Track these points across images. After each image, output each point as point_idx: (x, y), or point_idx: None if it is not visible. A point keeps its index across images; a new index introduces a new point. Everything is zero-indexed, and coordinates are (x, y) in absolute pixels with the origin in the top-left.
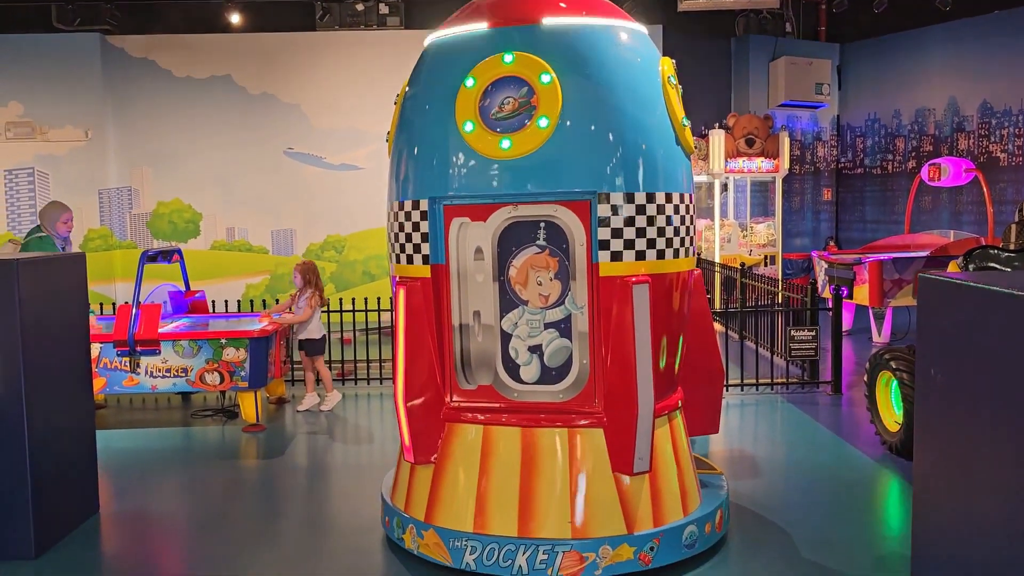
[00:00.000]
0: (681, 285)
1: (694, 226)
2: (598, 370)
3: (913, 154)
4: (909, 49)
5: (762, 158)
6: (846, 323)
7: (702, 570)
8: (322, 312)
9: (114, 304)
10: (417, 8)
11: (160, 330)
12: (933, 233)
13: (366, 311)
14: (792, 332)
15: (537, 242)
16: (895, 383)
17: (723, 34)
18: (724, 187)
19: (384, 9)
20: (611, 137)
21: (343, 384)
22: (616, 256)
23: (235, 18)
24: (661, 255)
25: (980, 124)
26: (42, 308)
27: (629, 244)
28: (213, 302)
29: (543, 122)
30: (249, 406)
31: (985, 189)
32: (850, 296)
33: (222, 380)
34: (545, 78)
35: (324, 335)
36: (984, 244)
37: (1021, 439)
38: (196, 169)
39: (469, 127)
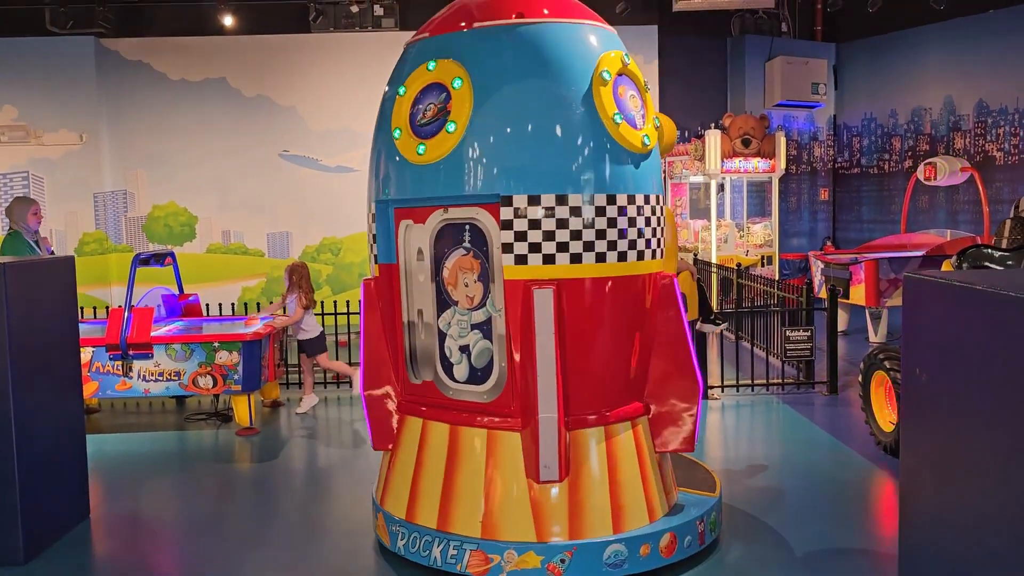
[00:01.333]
0: (625, 290)
1: (658, 227)
2: (514, 374)
3: (909, 153)
4: (905, 48)
5: (758, 158)
6: (842, 323)
7: (696, 571)
8: (316, 314)
9: (107, 308)
10: (412, 10)
11: (153, 333)
12: (929, 233)
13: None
14: (788, 332)
15: (463, 244)
16: (890, 383)
17: (719, 34)
18: (721, 187)
19: (379, 11)
20: (517, 140)
21: (338, 387)
22: (520, 259)
23: (228, 20)
24: (577, 259)
25: (976, 123)
26: (31, 312)
27: (535, 247)
28: (207, 305)
29: (451, 127)
30: (243, 410)
31: (981, 188)
32: (846, 296)
33: (215, 384)
34: (457, 83)
35: (322, 331)
36: (978, 243)
37: (1006, 437)
38: (191, 172)
39: (398, 133)
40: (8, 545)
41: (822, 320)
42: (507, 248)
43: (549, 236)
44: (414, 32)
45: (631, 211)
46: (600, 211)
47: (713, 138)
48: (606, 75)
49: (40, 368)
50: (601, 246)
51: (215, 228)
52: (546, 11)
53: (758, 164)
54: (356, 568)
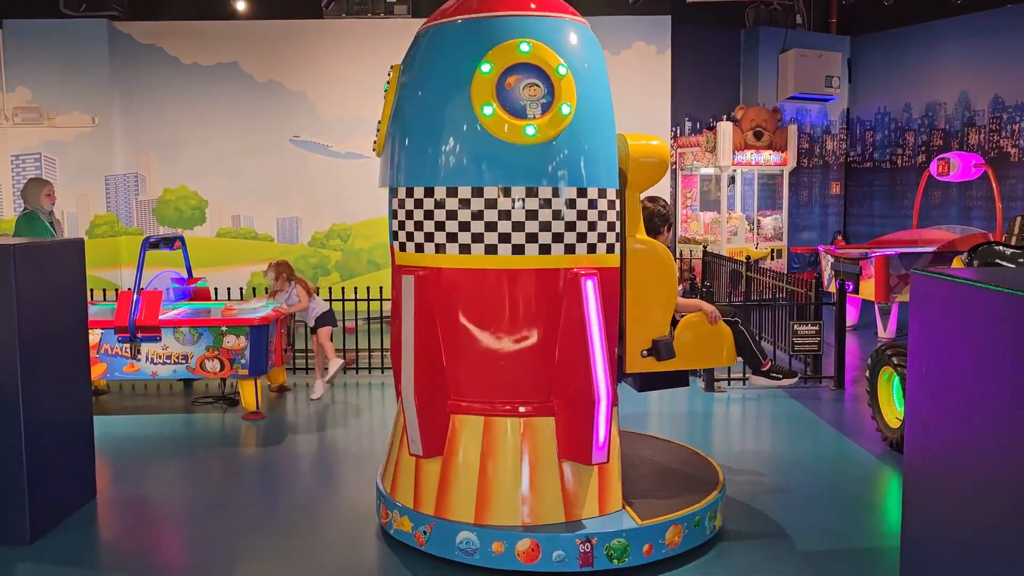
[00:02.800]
0: (512, 283)
1: (557, 221)
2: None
3: (923, 148)
4: (920, 42)
5: (770, 151)
6: (852, 318)
7: (697, 564)
8: (325, 300)
9: (117, 290)
10: None
11: (161, 317)
12: (941, 228)
13: (368, 300)
14: (795, 326)
15: None
16: (897, 379)
17: (733, 25)
18: (731, 180)
19: None
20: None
21: (344, 373)
22: (419, 248)
23: (241, 5)
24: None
25: (991, 119)
26: (40, 293)
27: (429, 237)
28: (216, 289)
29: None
30: (249, 394)
31: (994, 184)
32: (856, 291)
33: (222, 368)
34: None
35: (330, 307)
36: (990, 240)
37: (1012, 435)
38: (202, 156)
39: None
40: (15, 525)
41: (830, 315)
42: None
43: (440, 227)
44: (425, 19)
45: (503, 203)
46: (464, 203)
47: (725, 130)
48: (484, 67)
49: (49, 349)
50: (465, 238)
51: (225, 212)
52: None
53: (769, 157)
54: (361, 554)
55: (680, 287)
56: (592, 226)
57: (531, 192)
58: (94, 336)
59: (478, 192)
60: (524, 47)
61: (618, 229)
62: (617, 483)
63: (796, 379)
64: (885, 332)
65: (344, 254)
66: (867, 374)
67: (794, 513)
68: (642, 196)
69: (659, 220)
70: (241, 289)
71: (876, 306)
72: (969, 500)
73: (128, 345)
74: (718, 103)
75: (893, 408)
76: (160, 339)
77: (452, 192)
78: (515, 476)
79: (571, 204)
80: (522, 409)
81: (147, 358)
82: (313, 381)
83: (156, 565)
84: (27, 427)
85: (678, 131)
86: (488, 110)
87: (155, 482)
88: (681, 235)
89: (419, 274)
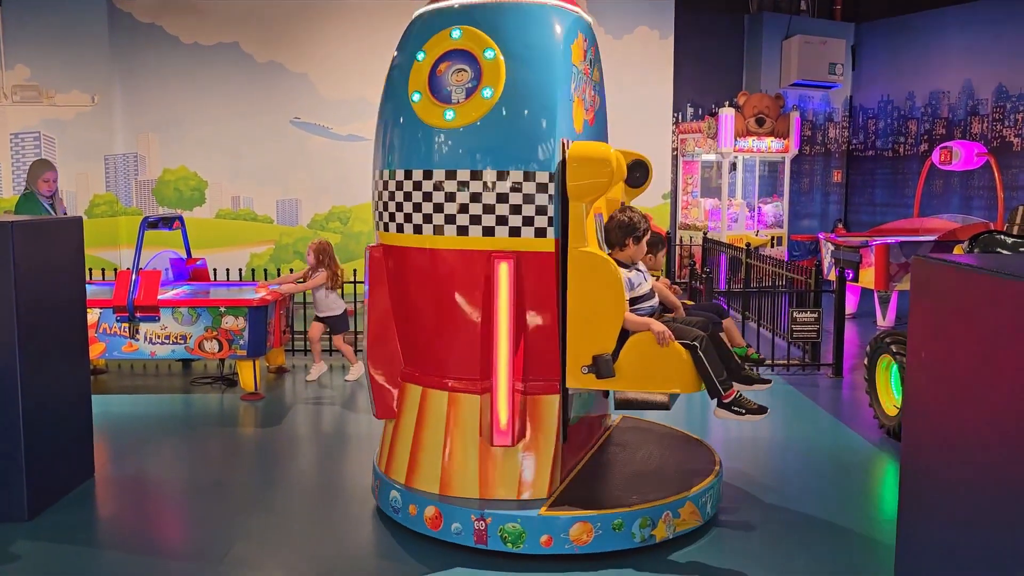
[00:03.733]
0: (429, 262)
1: (458, 203)
2: None
3: (925, 137)
4: (925, 30)
5: (772, 138)
6: (851, 306)
7: (690, 550)
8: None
9: (116, 270)
10: None
11: (160, 297)
12: (942, 218)
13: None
14: (794, 313)
15: None
16: (895, 367)
17: (736, 10)
18: (733, 166)
19: None
20: None
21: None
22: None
23: None
24: (399, 229)
25: (995, 108)
26: (38, 271)
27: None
28: (215, 270)
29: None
30: (247, 375)
31: (996, 174)
32: (855, 279)
33: (221, 348)
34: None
35: (345, 310)
36: (991, 229)
37: (1010, 422)
38: (202, 137)
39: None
40: (13, 502)
41: (830, 302)
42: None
43: (385, 207)
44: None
45: (427, 186)
46: (399, 185)
47: (727, 116)
48: (420, 55)
49: (47, 328)
50: (399, 218)
51: (225, 194)
52: None
53: (771, 144)
54: (358, 534)
55: (655, 287)
56: (516, 209)
57: (450, 175)
58: (92, 315)
59: (408, 175)
60: (455, 33)
61: (551, 213)
62: (541, 470)
63: (764, 415)
64: (884, 320)
65: (344, 237)
66: (865, 362)
67: (790, 499)
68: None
69: (621, 232)
70: (240, 270)
71: (875, 294)
72: (967, 487)
73: (127, 325)
74: (720, 89)
75: (891, 396)
76: (159, 319)
77: (392, 175)
78: (438, 446)
79: (490, 187)
80: (449, 384)
81: (145, 338)
82: (312, 363)
83: (154, 543)
84: (25, 405)
85: (680, 117)
86: (416, 96)
87: (153, 461)
88: (681, 221)
89: (372, 251)
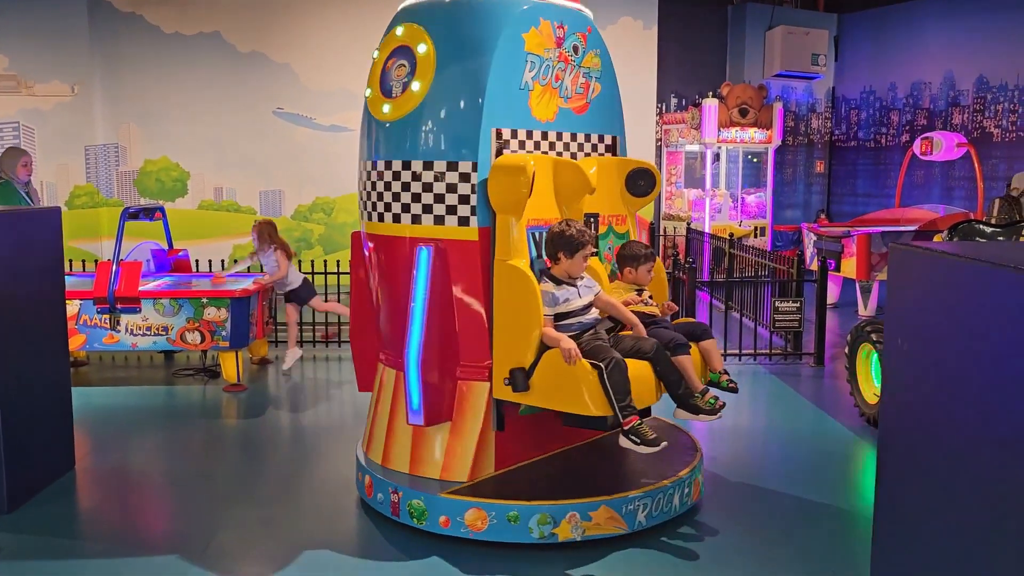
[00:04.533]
0: (379, 249)
1: (388, 192)
2: None
3: (907, 128)
4: (907, 21)
5: (755, 128)
6: (833, 296)
7: (675, 533)
8: (307, 273)
9: (96, 261)
10: None
11: (141, 288)
12: (923, 208)
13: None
14: (776, 303)
15: None
16: (875, 356)
17: (720, 2)
18: (716, 157)
19: None
20: None
21: (327, 346)
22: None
23: None
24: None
25: (975, 99)
26: (16, 262)
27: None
28: (197, 261)
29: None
30: (230, 366)
31: (976, 164)
32: (837, 269)
33: (203, 339)
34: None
35: (305, 278)
36: (970, 219)
37: (988, 409)
38: (184, 127)
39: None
40: None
41: (812, 292)
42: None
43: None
44: None
45: (373, 176)
46: (367, 175)
47: (710, 107)
48: (375, 53)
49: (25, 319)
50: (359, 206)
51: (207, 184)
52: None
53: (755, 134)
54: (342, 525)
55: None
56: (440, 198)
57: (387, 165)
58: (72, 307)
59: (364, 165)
60: (399, 31)
61: (474, 202)
62: (464, 453)
63: (659, 448)
64: (866, 310)
65: (327, 228)
66: (846, 351)
67: (770, 488)
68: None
69: (551, 245)
70: (223, 262)
71: (857, 284)
72: (945, 474)
73: (107, 316)
74: (704, 80)
75: (871, 385)
76: (140, 310)
77: (363, 165)
78: (384, 420)
79: (417, 176)
80: (397, 363)
81: (126, 329)
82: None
83: (135, 534)
84: (3, 397)
85: (663, 107)
86: (368, 92)
87: (135, 453)
88: (665, 211)
89: (355, 236)
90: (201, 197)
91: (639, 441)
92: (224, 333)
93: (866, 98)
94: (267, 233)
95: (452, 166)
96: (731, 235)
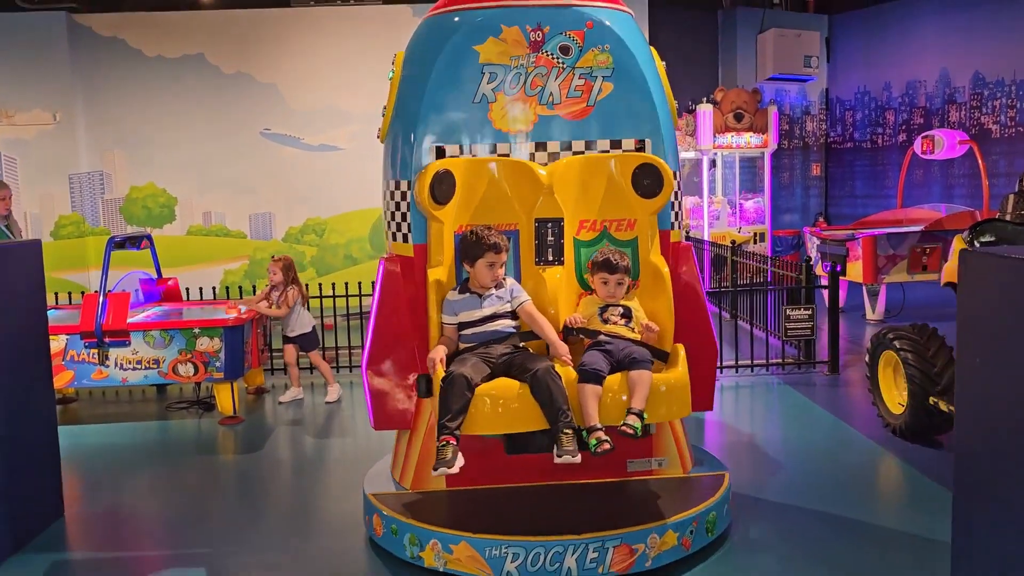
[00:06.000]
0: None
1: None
2: None
3: (904, 127)
4: (900, 19)
5: (751, 133)
6: (839, 300)
7: (702, 567)
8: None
9: (83, 293)
10: None
11: (130, 320)
12: (925, 208)
13: (347, 296)
14: (787, 311)
15: None
16: (899, 363)
17: (710, 6)
18: (712, 163)
19: None
20: None
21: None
22: None
23: None
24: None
25: (972, 96)
26: None
27: None
28: (187, 289)
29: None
30: (225, 398)
31: (980, 161)
32: (843, 273)
33: (196, 371)
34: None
35: (314, 327)
36: (990, 218)
37: None
38: (170, 152)
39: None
40: None
41: (818, 298)
42: None
43: None
44: (396, 5)
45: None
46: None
47: (705, 112)
48: (390, 74)
49: (6, 358)
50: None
51: (195, 209)
52: None
53: (750, 139)
54: (350, 569)
55: None
56: (393, 216)
57: (385, 185)
58: (59, 342)
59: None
60: (393, 59)
61: (410, 219)
62: (409, 459)
63: (443, 471)
64: (874, 314)
65: (319, 249)
66: (867, 359)
67: (800, 508)
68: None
69: (460, 251)
70: (214, 288)
71: (864, 288)
72: None
73: (95, 351)
74: (697, 85)
75: (895, 393)
76: (129, 343)
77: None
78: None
79: (391, 195)
80: None
81: (116, 364)
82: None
83: None
84: None
85: None
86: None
87: (128, 495)
88: None
89: (387, 263)
90: (189, 222)
91: (436, 459)
92: (218, 364)
93: (860, 98)
94: (290, 272)
95: (397, 184)
96: (733, 242)
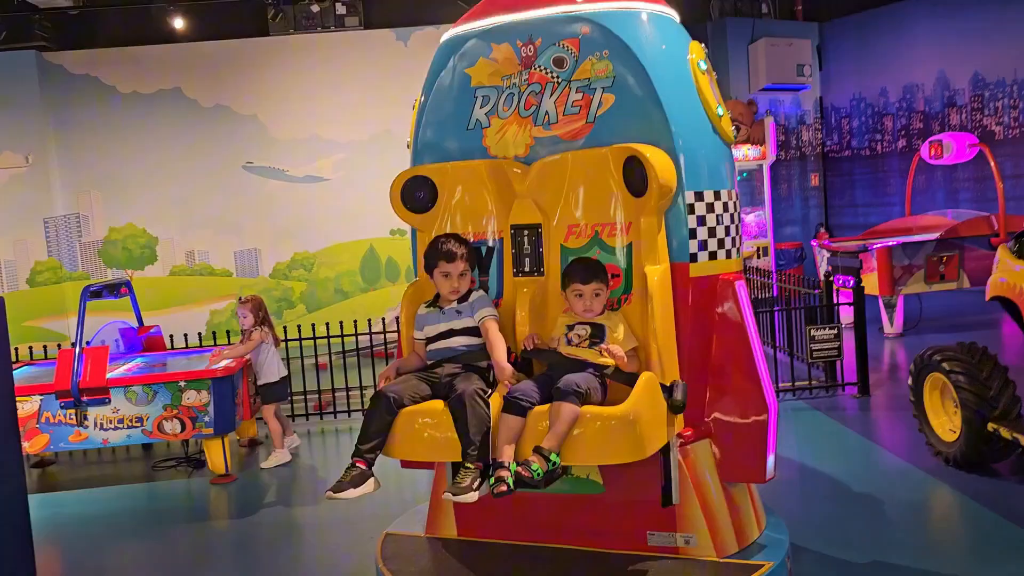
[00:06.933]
0: None
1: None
2: None
3: (903, 132)
4: (892, 23)
5: (748, 145)
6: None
7: None
8: (289, 341)
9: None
10: (376, 7)
11: (109, 374)
12: (935, 214)
13: (342, 336)
14: (812, 331)
15: None
16: (952, 386)
17: (698, 19)
18: None
19: (341, 9)
20: None
21: (321, 418)
22: None
23: (179, 23)
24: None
25: (973, 97)
26: None
27: None
28: (172, 336)
29: None
30: (216, 455)
31: (993, 164)
32: (857, 286)
33: (184, 428)
34: None
35: (284, 377)
36: None
37: None
38: (149, 191)
39: None
40: None
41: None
42: None
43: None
44: (379, 30)
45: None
46: None
47: None
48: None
49: None
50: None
51: (178, 249)
52: None
53: (748, 151)
54: None
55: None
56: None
57: None
58: (32, 404)
59: None
60: None
61: None
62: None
63: (331, 495)
64: (892, 328)
65: (309, 284)
66: (910, 382)
67: (860, 549)
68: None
69: (424, 256)
70: (200, 335)
71: (880, 300)
72: None
73: (72, 411)
74: None
75: (944, 419)
76: (109, 401)
77: None
78: None
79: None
80: None
81: (95, 424)
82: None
83: None
84: None
85: None
86: None
87: (112, 570)
88: None
89: None
90: (172, 263)
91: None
92: (207, 419)
93: (856, 105)
94: (261, 311)
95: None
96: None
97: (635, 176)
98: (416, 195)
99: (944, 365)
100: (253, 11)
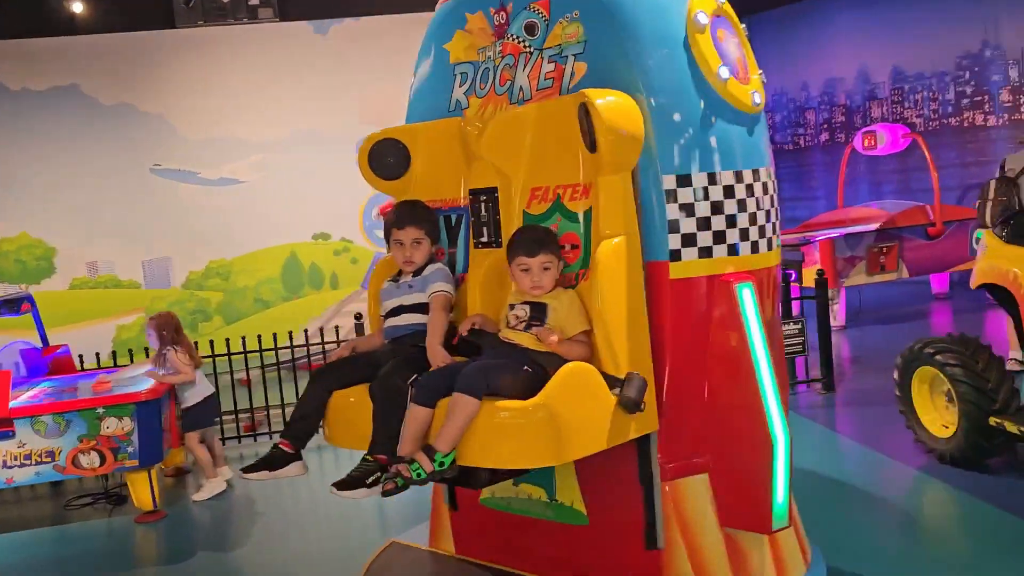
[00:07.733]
0: None
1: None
2: None
3: (825, 126)
4: (813, 18)
5: None
6: (794, 308)
7: None
8: (206, 357)
9: None
10: None
11: (12, 403)
12: (869, 206)
13: (261, 349)
14: None
15: None
16: (947, 381)
17: None
18: None
19: (254, 0)
20: None
21: (255, 440)
22: None
23: (78, 7)
24: None
25: (893, 90)
26: None
27: None
28: (81, 356)
29: None
30: (142, 489)
31: (927, 154)
32: (799, 279)
33: (103, 461)
34: None
35: (209, 396)
36: (1020, 211)
37: None
38: (45, 197)
39: None
40: None
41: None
42: None
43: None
44: (295, 22)
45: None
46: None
47: None
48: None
49: None
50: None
51: (78, 260)
52: None
53: None
54: None
55: None
56: None
57: None
58: None
59: None
60: None
61: None
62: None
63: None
64: (836, 320)
65: (226, 294)
66: (897, 376)
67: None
68: None
69: None
70: (113, 353)
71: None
72: None
73: None
74: None
75: (936, 414)
76: (13, 435)
77: None
78: None
79: None
80: None
81: None
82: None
83: None
84: None
85: None
86: None
87: None
88: None
89: None
90: (72, 275)
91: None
92: (131, 449)
93: (778, 100)
94: (168, 329)
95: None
96: None
97: (586, 126)
98: (387, 160)
99: (937, 358)
100: (156, 2)
